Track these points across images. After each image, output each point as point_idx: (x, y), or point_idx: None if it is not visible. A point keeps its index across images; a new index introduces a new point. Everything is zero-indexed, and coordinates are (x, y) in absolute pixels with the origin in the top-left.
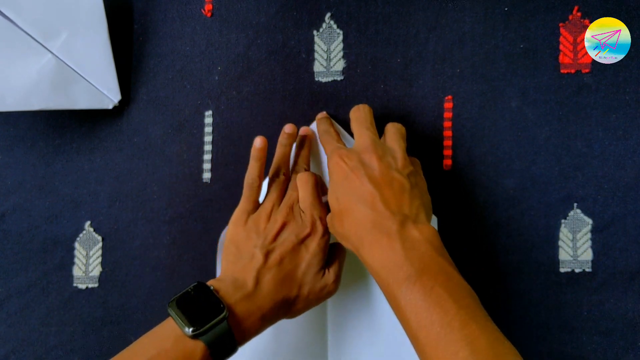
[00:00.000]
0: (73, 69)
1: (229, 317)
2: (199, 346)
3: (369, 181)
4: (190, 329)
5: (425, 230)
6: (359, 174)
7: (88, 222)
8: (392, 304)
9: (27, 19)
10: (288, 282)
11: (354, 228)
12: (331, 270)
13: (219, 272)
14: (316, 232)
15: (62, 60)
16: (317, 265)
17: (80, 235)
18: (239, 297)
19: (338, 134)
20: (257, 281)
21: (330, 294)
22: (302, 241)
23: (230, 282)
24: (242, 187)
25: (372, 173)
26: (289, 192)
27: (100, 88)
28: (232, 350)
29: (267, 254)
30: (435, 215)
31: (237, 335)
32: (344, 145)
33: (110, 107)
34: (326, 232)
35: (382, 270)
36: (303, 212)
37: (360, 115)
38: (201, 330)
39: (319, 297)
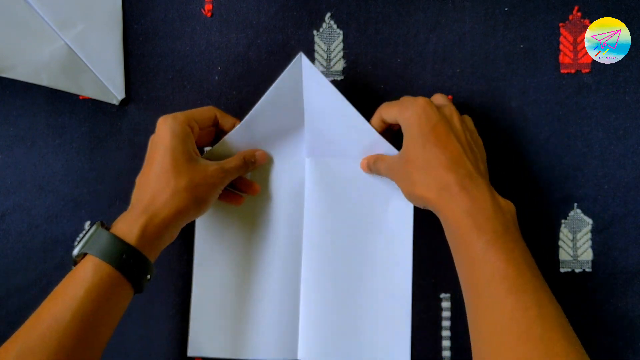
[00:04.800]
0: (83, 60)
1: (113, 229)
2: (90, 263)
3: (455, 138)
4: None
5: (507, 202)
6: (446, 127)
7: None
8: (464, 250)
9: (46, 5)
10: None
11: (441, 173)
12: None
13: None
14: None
15: (73, 50)
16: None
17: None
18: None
19: None
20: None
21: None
22: None
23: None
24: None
25: (455, 130)
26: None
27: (106, 83)
28: (135, 259)
29: None
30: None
31: (134, 240)
32: None
33: (114, 102)
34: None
35: (466, 218)
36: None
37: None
38: (78, 244)
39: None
